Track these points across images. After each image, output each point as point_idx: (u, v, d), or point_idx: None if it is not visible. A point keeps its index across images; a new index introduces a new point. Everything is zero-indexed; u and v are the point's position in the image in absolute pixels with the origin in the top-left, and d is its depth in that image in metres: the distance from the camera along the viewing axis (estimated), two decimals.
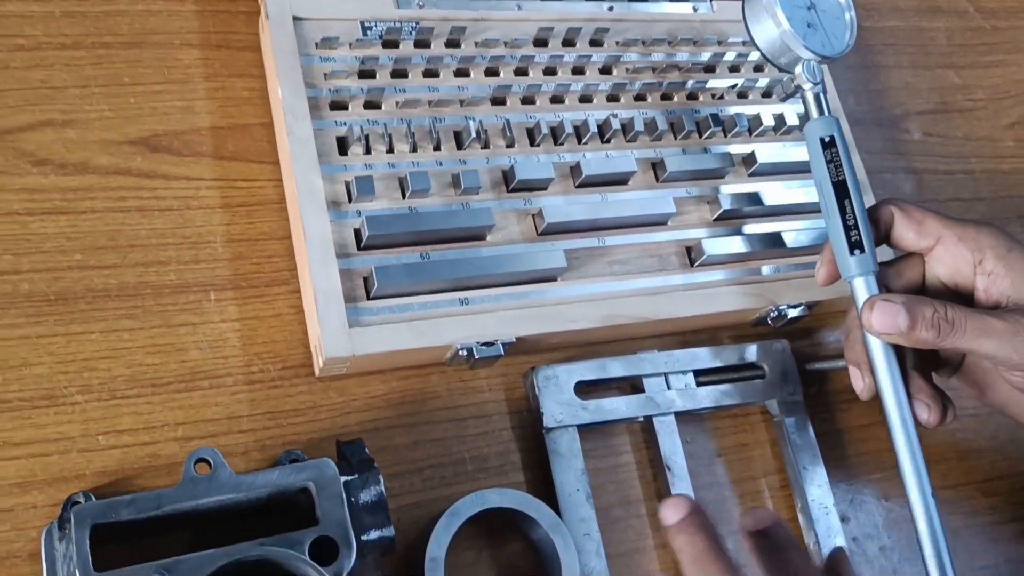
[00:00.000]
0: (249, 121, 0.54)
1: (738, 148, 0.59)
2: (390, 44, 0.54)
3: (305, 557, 0.38)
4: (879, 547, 0.56)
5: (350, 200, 0.50)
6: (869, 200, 0.58)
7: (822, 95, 0.50)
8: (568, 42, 0.58)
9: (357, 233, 0.49)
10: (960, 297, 0.48)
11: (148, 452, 0.46)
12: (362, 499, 0.43)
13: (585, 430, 0.52)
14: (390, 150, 0.52)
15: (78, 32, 0.52)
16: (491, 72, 0.56)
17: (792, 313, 0.56)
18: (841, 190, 0.48)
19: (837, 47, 0.51)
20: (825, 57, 0.50)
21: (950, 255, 0.48)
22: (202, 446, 0.42)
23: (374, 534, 0.42)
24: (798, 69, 0.50)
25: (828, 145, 0.49)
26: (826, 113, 0.49)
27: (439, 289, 0.49)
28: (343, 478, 0.42)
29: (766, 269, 0.57)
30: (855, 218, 0.48)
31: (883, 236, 0.49)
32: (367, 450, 0.45)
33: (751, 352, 0.56)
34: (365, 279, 0.49)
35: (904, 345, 0.46)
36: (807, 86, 0.50)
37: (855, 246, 0.48)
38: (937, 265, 0.48)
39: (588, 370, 0.52)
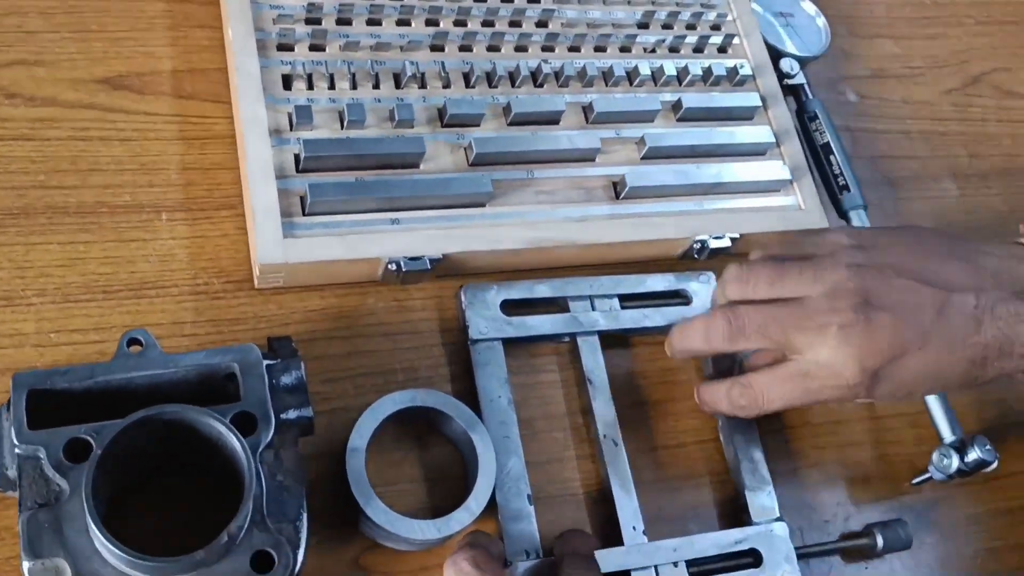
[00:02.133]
0: (207, 66, 0.58)
1: (668, 97, 0.63)
2: None
3: (219, 415, 0.42)
4: (794, 468, 0.58)
5: (291, 128, 0.54)
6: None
7: (806, 86, 0.67)
8: None
9: (296, 157, 0.54)
10: None
11: (96, 350, 0.50)
12: (283, 381, 0.46)
13: (511, 346, 0.55)
14: (331, 87, 0.56)
15: None
16: (431, 23, 0.60)
17: (715, 244, 0.59)
18: (826, 149, 0.66)
19: (814, 48, 0.70)
20: (804, 57, 0.69)
21: None
22: None
23: (293, 413, 0.46)
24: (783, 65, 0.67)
25: (812, 119, 0.67)
26: (810, 98, 0.67)
27: (371, 209, 0.53)
28: (266, 362, 0.46)
29: (691, 204, 0.60)
30: (840, 168, 0.65)
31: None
32: (293, 344, 0.48)
33: (676, 279, 0.59)
34: (301, 198, 0.53)
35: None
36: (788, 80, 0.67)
37: (842, 188, 0.65)
38: None
39: (515, 290, 0.55)
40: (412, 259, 0.53)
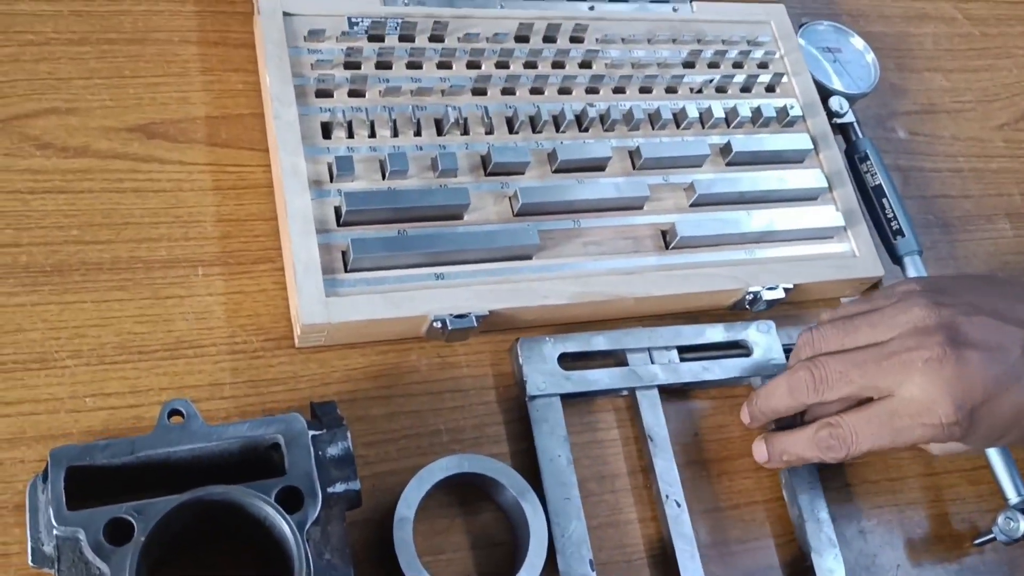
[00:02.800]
0: (242, 112, 0.57)
1: (716, 140, 0.61)
2: (375, 38, 0.57)
3: (266, 497, 0.40)
4: (858, 530, 0.55)
5: (331, 180, 0.52)
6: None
7: (855, 124, 0.65)
8: (549, 38, 0.60)
9: (337, 210, 0.52)
10: None
11: (133, 415, 0.48)
12: (329, 453, 0.44)
13: (567, 402, 0.53)
14: (372, 135, 0.54)
15: (84, 29, 0.56)
16: (473, 65, 0.58)
17: (769, 296, 0.57)
18: (878, 191, 0.63)
19: (863, 85, 0.68)
20: (853, 95, 0.66)
21: None
22: None
23: (340, 487, 0.44)
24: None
25: (863, 159, 0.64)
26: (860, 136, 0.65)
27: (415, 264, 0.51)
28: (311, 432, 0.44)
29: (742, 253, 0.58)
30: (893, 211, 0.62)
31: None
32: (338, 410, 0.46)
33: (736, 330, 0.56)
34: (343, 253, 0.51)
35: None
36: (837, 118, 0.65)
37: (896, 232, 0.62)
38: None
39: (572, 343, 0.53)
40: (458, 316, 0.51)
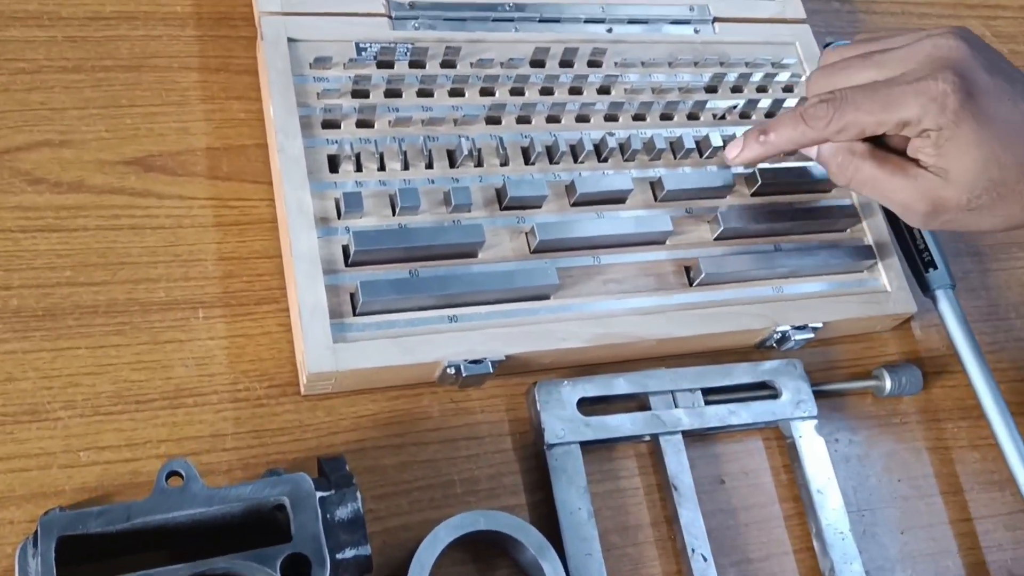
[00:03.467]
0: (245, 142, 0.54)
1: (740, 168, 0.58)
2: (384, 65, 0.54)
3: (272, 571, 0.37)
4: None
5: (339, 216, 0.50)
6: None
7: None
8: (565, 63, 0.58)
9: (345, 249, 0.49)
10: None
11: (129, 469, 0.45)
12: (338, 516, 0.42)
13: (587, 449, 0.50)
14: (381, 168, 0.52)
15: (79, 56, 0.53)
16: (486, 92, 0.55)
17: (799, 336, 0.54)
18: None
19: None
20: None
21: None
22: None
23: (350, 552, 0.41)
24: None
25: None
26: None
27: (427, 306, 0.49)
28: (319, 494, 0.41)
29: (769, 289, 0.55)
30: (924, 242, 0.59)
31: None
32: (347, 467, 0.44)
33: (763, 370, 0.54)
34: (352, 295, 0.48)
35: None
36: None
37: (928, 264, 0.59)
38: None
39: (592, 386, 0.51)
40: (473, 362, 0.48)
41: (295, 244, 0.48)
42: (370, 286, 0.47)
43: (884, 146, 0.48)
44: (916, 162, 0.47)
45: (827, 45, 0.65)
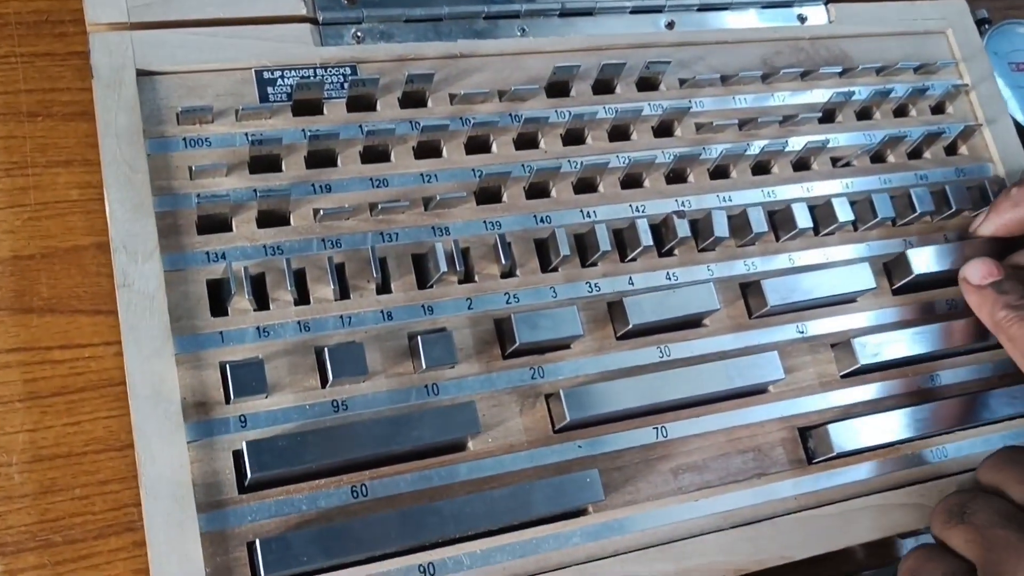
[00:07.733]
0: (79, 242, 0.33)
1: (878, 250, 0.37)
2: (305, 108, 0.33)
3: None
4: None
5: (227, 400, 0.29)
6: None
7: None
8: (602, 85, 0.36)
9: (237, 462, 0.28)
10: None
11: None
12: None
13: None
14: (301, 298, 0.31)
15: None
16: (476, 146, 0.34)
17: None
18: None
19: None
20: None
21: None
22: None
23: None
24: None
25: None
26: None
27: (381, 555, 0.28)
28: None
29: (931, 454, 0.35)
30: None
31: None
32: None
33: None
34: (250, 548, 0.28)
35: None
36: None
37: None
38: None
39: None
40: None
41: (144, 463, 0.27)
42: (282, 546, 0.27)
43: None
44: None
45: (984, 25, 0.44)
